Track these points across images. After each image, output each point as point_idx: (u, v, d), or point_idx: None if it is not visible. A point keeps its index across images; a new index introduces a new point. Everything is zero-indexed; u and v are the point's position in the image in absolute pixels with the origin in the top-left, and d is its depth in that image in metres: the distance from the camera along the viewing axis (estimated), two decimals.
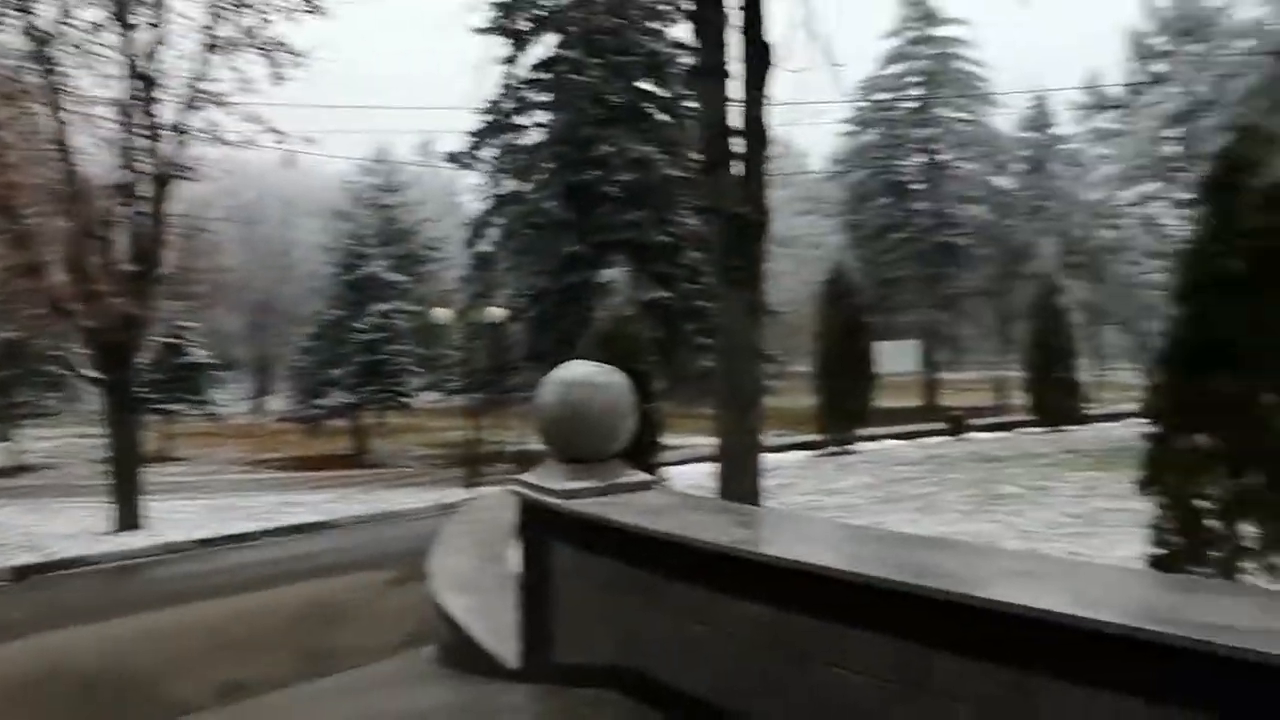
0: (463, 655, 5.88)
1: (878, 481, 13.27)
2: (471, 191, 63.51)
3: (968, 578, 2.75)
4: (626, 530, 4.10)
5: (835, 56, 9.23)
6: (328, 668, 7.74)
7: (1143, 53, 34.25)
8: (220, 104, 14.25)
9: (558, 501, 4.66)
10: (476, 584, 6.92)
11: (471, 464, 18.64)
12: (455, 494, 17.88)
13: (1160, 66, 33.35)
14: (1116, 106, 35.45)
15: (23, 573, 12.03)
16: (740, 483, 7.32)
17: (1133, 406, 24.22)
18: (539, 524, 4.89)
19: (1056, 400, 18.39)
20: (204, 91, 14.19)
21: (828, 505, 11.20)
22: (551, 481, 4.80)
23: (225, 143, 14.40)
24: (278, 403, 46.25)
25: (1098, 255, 35.81)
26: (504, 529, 9.27)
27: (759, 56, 8.34)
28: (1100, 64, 48.97)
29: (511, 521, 9.69)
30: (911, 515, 10.35)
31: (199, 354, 33.11)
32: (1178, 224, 34.56)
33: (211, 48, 14.14)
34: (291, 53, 14.33)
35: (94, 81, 13.72)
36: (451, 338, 39.08)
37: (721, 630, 3.47)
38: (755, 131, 7.93)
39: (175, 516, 15.57)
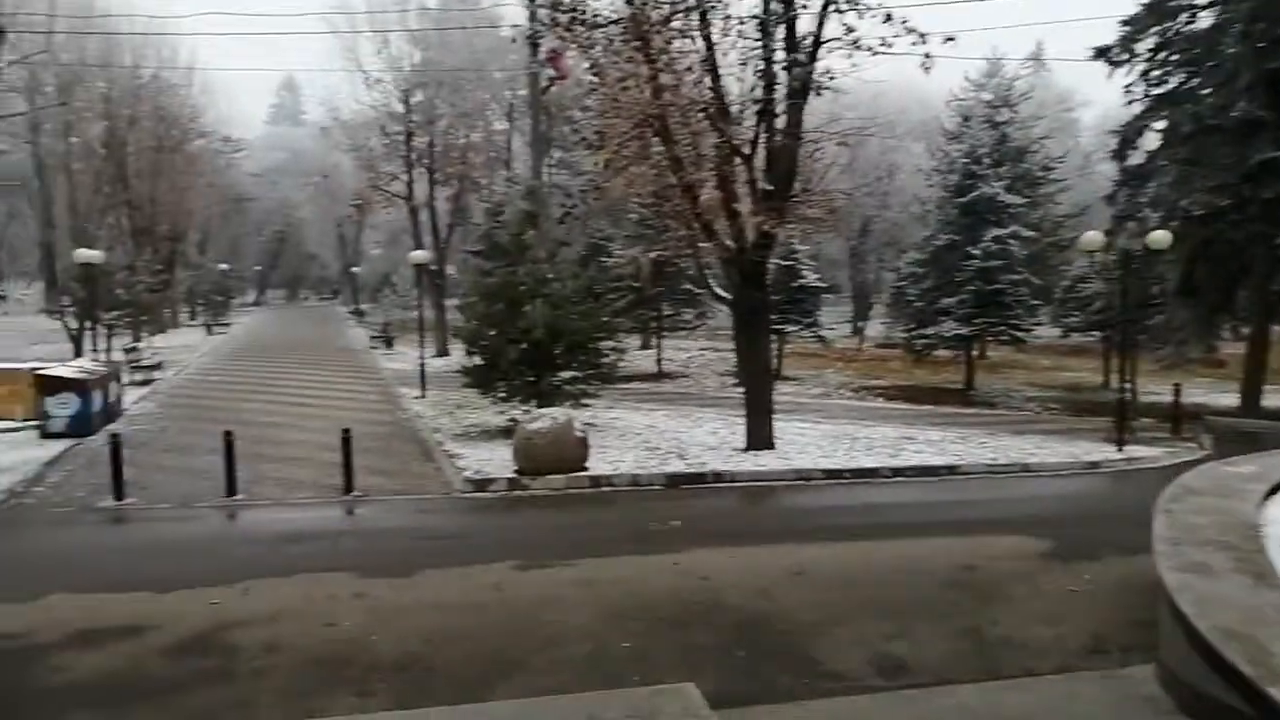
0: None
1: None
2: (1081, 104, 56.49)
3: None
4: None
5: None
6: (998, 662, 6.38)
7: None
8: (857, 8, 13.27)
9: None
10: (1255, 615, 4.85)
11: (1120, 416, 15.77)
12: (1100, 451, 15.29)
13: None
14: None
15: (675, 480, 12.70)
16: None
17: None
18: None
19: None
20: None
21: None
22: None
23: (861, 49, 13.38)
24: (875, 328, 46.44)
25: None
26: (1244, 527, 6.93)
27: None
28: None
29: (1252, 519, 7.26)
30: None
31: (810, 277, 34.04)
32: None
33: None
34: None
35: None
36: (1075, 267, 35.05)
37: None
38: None
39: (799, 440, 15.54)
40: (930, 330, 28.47)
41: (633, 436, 15.80)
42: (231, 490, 11.46)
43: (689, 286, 30.67)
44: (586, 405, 16.30)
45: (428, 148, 33.64)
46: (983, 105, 36.51)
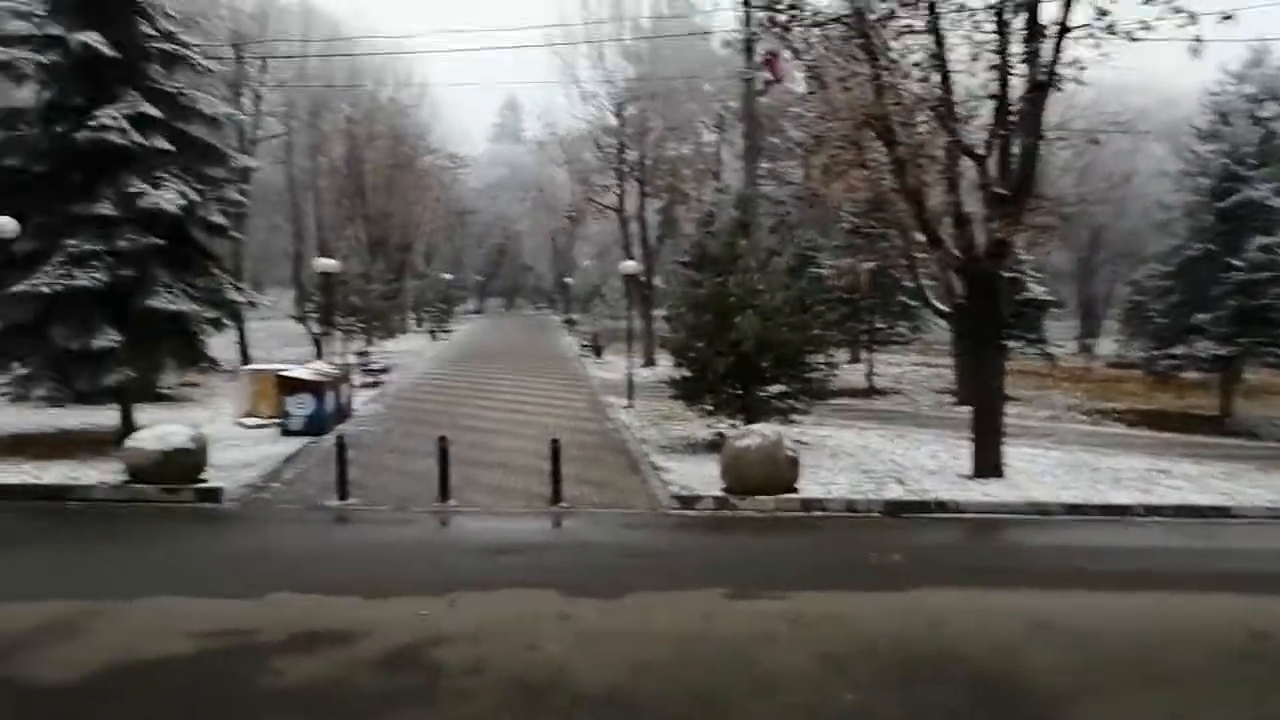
0: None
1: None
2: None
3: None
4: None
5: None
6: None
7: None
8: None
9: None
10: None
11: None
12: None
13: None
14: None
15: (894, 508, 11.79)
16: None
17: None
18: None
19: None
20: None
21: None
22: None
23: (1116, 35, 11.94)
24: (1105, 346, 42.79)
25: None
26: None
27: None
28: None
29: None
30: None
31: (1036, 290, 31.61)
32: None
33: None
34: None
35: None
36: None
37: None
38: None
39: (1030, 468, 14.15)
40: (1178, 350, 25.58)
41: (845, 457, 14.96)
42: (444, 495, 11.66)
43: (904, 299, 29.26)
44: (795, 421, 15.63)
45: (639, 160, 33.99)
46: (1244, 100, 32.66)
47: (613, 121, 34.20)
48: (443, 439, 12.05)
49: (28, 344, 14.39)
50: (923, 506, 11.80)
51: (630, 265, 25.87)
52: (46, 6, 15.00)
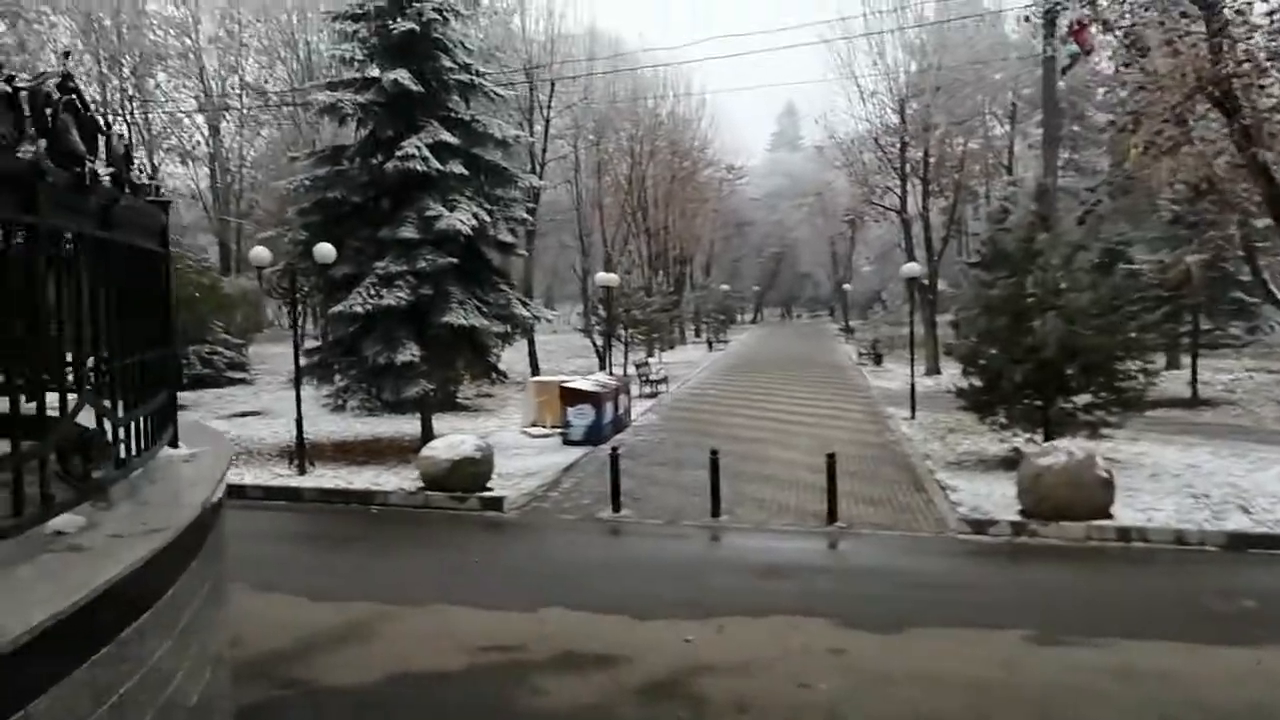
0: None
1: None
2: None
3: None
4: None
5: None
6: None
7: None
8: None
9: None
10: None
11: None
12: None
13: None
14: None
15: (1239, 542, 9.93)
16: None
17: None
18: None
19: None
20: None
21: None
22: None
23: None
24: None
25: None
26: None
27: None
28: None
29: None
30: None
31: None
32: None
33: None
34: None
35: None
36: None
37: None
38: None
39: None
40: None
41: (1168, 478, 12.96)
42: (716, 511, 11.36)
43: (1240, 294, 25.41)
44: (1105, 436, 13.82)
45: (922, 158, 32.26)
46: None
47: (894, 119, 32.75)
48: (714, 453, 11.77)
49: (345, 359, 15.91)
50: (1277, 541, 9.86)
51: (912, 268, 24.44)
52: (365, 50, 16.53)
